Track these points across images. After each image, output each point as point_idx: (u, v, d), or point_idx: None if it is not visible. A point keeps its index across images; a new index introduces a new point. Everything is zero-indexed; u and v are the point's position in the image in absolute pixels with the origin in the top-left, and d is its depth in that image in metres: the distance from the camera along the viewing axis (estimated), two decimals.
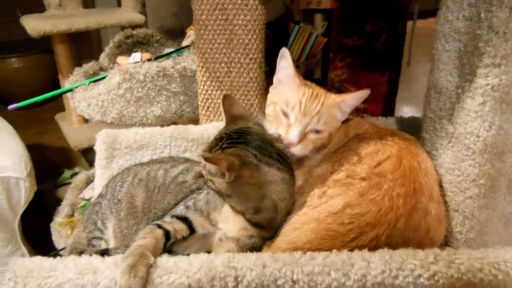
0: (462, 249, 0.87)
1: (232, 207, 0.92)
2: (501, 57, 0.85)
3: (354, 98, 1.09)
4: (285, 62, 1.14)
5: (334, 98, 1.10)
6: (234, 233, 0.92)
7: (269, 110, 1.14)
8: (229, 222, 0.93)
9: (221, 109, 1.02)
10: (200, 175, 1.07)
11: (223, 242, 0.93)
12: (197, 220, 0.93)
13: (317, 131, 1.07)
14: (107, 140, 1.34)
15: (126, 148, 1.35)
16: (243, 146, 0.89)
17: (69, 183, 1.96)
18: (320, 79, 3.84)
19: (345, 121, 1.16)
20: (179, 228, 0.91)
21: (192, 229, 0.92)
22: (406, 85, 3.19)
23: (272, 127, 1.09)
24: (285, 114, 1.07)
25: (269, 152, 0.91)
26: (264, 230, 0.93)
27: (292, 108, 1.06)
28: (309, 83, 1.15)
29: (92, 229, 1.11)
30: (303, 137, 1.05)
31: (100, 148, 1.34)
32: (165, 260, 0.83)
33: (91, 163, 2.38)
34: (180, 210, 0.95)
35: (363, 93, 1.08)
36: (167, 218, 0.93)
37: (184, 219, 0.92)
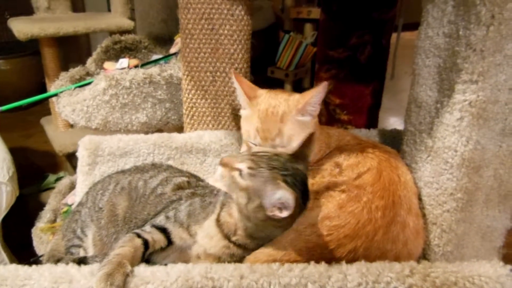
0: (437, 263, 0.89)
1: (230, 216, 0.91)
2: (478, 74, 0.87)
3: (315, 96, 1.03)
4: (236, 85, 1.11)
5: (294, 104, 1.04)
6: (215, 250, 0.91)
7: (244, 137, 1.12)
8: (212, 239, 0.91)
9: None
10: (180, 187, 1.07)
11: (201, 259, 0.91)
12: (176, 231, 0.92)
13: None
14: (90, 146, 1.34)
15: (109, 155, 1.34)
16: (296, 187, 0.84)
17: (54, 188, 1.94)
18: (309, 88, 3.86)
19: (328, 132, 1.17)
20: (158, 238, 0.90)
21: (170, 241, 0.91)
22: (393, 96, 3.23)
23: None
24: (253, 144, 1.06)
25: (307, 198, 0.89)
26: (247, 251, 0.92)
27: (254, 137, 1.05)
28: (266, 94, 1.09)
29: (71, 237, 1.10)
30: None
31: (83, 154, 1.34)
32: (142, 270, 0.83)
33: (76, 168, 2.36)
34: (160, 220, 0.95)
35: (322, 88, 1.02)
36: (147, 228, 0.93)
37: (163, 230, 0.92)
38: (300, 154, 0.89)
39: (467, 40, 0.87)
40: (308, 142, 0.91)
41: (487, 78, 0.87)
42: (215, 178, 1.34)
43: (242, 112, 1.14)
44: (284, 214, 0.80)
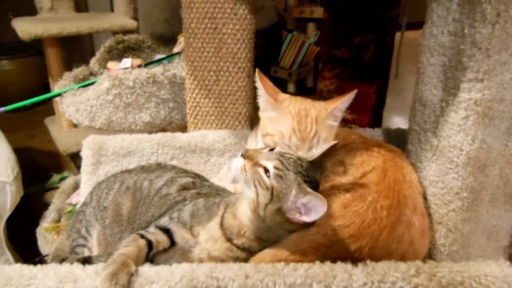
0: (444, 262, 0.88)
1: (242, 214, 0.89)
2: (483, 72, 0.86)
3: (344, 101, 1.07)
4: (258, 85, 1.11)
5: (325, 108, 1.08)
6: (218, 253, 0.90)
7: (267, 140, 1.10)
8: (216, 243, 0.91)
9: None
10: (184, 188, 1.07)
11: (204, 262, 0.90)
12: (179, 232, 0.92)
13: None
14: (94, 146, 1.34)
15: (113, 154, 1.35)
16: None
17: (58, 188, 1.95)
18: (313, 87, 3.86)
19: None
20: (161, 239, 0.90)
21: (172, 241, 0.91)
22: (397, 95, 3.22)
23: None
24: (287, 145, 1.04)
25: None
26: (251, 254, 0.91)
27: (289, 138, 1.04)
28: (291, 98, 1.11)
29: (75, 237, 1.10)
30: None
31: (87, 154, 1.34)
32: (147, 269, 0.83)
33: (80, 168, 2.36)
34: (164, 221, 0.95)
35: (352, 95, 1.06)
36: (151, 229, 0.93)
37: (167, 231, 0.92)
38: (319, 163, 0.89)
39: (472, 38, 0.87)
40: (329, 151, 0.91)
41: (492, 76, 0.86)
42: (221, 175, 1.35)
43: (265, 114, 1.11)
44: (306, 218, 0.82)
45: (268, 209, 0.84)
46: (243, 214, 0.90)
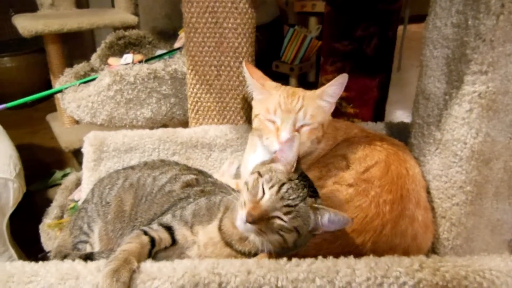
0: (447, 257, 0.87)
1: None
2: (488, 65, 0.85)
3: (333, 85, 1.03)
4: (246, 75, 1.12)
5: (313, 91, 1.07)
6: (215, 257, 0.89)
7: (255, 123, 1.11)
8: (215, 246, 0.89)
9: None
10: (188, 185, 1.06)
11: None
12: (180, 229, 0.91)
13: (307, 125, 1.03)
14: (95, 142, 1.33)
15: (114, 150, 1.34)
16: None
17: (60, 184, 1.95)
18: (314, 82, 3.84)
19: (334, 126, 1.16)
20: (164, 237, 0.89)
21: (174, 239, 0.90)
22: (399, 89, 3.20)
23: (264, 139, 1.06)
24: (271, 121, 1.05)
25: None
26: (252, 256, 0.90)
27: (274, 111, 1.03)
28: (280, 85, 1.13)
29: (77, 234, 1.10)
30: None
31: (88, 150, 1.33)
32: (148, 266, 0.82)
33: (82, 164, 2.36)
34: (167, 218, 0.94)
35: (341, 79, 1.02)
36: (154, 225, 0.92)
37: (169, 228, 0.91)
38: (298, 168, 0.88)
39: (476, 30, 0.85)
40: (300, 159, 0.91)
41: (497, 68, 0.85)
42: (222, 170, 1.34)
43: (255, 98, 1.12)
44: (330, 229, 0.84)
45: (297, 239, 0.84)
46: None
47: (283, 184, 0.83)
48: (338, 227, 0.84)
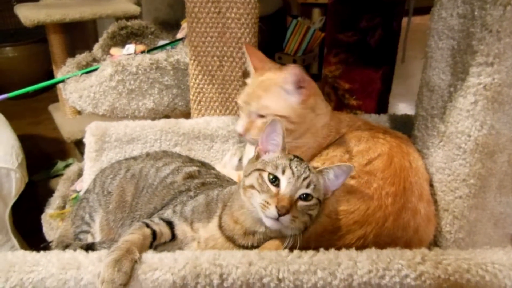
0: (450, 250, 0.87)
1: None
2: (494, 56, 0.84)
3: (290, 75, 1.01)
4: (246, 57, 1.14)
5: (272, 78, 1.06)
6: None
7: None
8: (216, 242, 0.90)
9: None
10: (190, 176, 1.05)
11: None
12: (180, 226, 0.91)
13: (261, 116, 1.04)
14: (97, 132, 1.33)
15: (116, 141, 1.34)
16: None
17: (62, 174, 1.95)
18: (317, 74, 3.83)
19: (338, 118, 1.15)
20: (164, 231, 0.90)
21: (173, 235, 0.90)
22: (403, 81, 3.18)
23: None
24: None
25: None
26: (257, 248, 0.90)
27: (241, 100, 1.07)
28: (273, 70, 1.10)
29: (79, 224, 1.10)
30: (249, 126, 1.05)
31: (90, 140, 1.33)
32: (150, 256, 0.82)
33: (84, 155, 2.37)
34: (168, 213, 0.94)
35: (295, 70, 0.99)
36: (156, 219, 0.92)
37: (169, 223, 0.91)
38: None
39: (483, 20, 0.84)
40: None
41: (503, 60, 0.84)
42: (224, 161, 1.34)
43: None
44: (339, 184, 0.89)
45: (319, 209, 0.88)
46: (249, 220, 0.88)
47: (290, 164, 0.85)
48: (343, 179, 0.88)
